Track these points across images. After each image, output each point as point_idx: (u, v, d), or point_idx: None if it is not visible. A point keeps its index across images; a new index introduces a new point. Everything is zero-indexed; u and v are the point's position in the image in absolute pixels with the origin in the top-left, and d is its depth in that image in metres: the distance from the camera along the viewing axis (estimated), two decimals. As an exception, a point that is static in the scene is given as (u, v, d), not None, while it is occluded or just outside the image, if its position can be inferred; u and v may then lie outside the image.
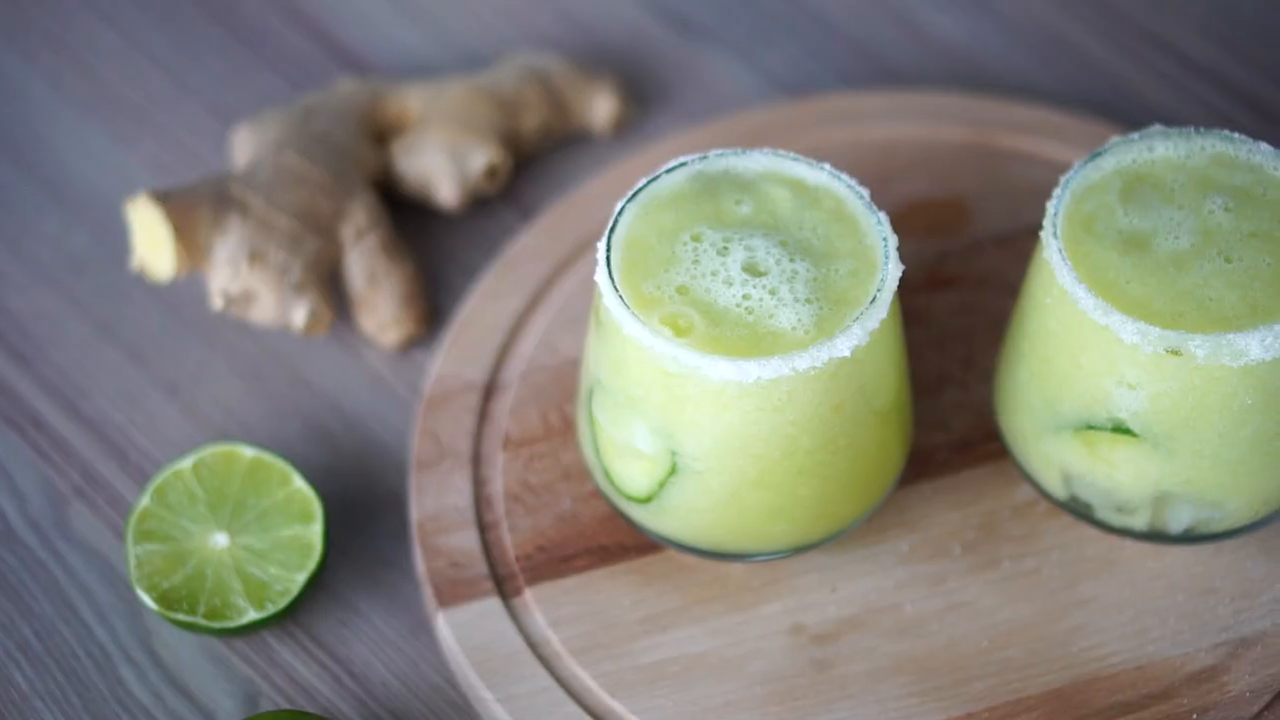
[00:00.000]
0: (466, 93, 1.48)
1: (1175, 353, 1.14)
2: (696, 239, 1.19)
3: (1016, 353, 1.24)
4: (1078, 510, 1.24)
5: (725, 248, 1.18)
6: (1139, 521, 1.22)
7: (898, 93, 1.50)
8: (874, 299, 1.16)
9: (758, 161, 1.22)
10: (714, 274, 1.17)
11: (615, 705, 1.22)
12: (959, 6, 1.59)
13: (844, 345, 1.14)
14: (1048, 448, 1.23)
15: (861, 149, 1.46)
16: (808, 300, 1.16)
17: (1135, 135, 1.21)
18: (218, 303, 1.37)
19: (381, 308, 1.41)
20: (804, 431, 1.17)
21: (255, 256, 1.37)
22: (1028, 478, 1.26)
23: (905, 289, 1.40)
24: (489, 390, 1.36)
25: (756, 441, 1.17)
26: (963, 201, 1.44)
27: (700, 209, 1.20)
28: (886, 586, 1.26)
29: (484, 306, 1.40)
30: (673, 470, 1.20)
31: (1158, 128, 1.22)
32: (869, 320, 1.15)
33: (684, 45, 1.58)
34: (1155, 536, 1.23)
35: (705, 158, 1.22)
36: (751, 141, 1.47)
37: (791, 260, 1.18)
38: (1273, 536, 1.27)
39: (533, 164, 1.51)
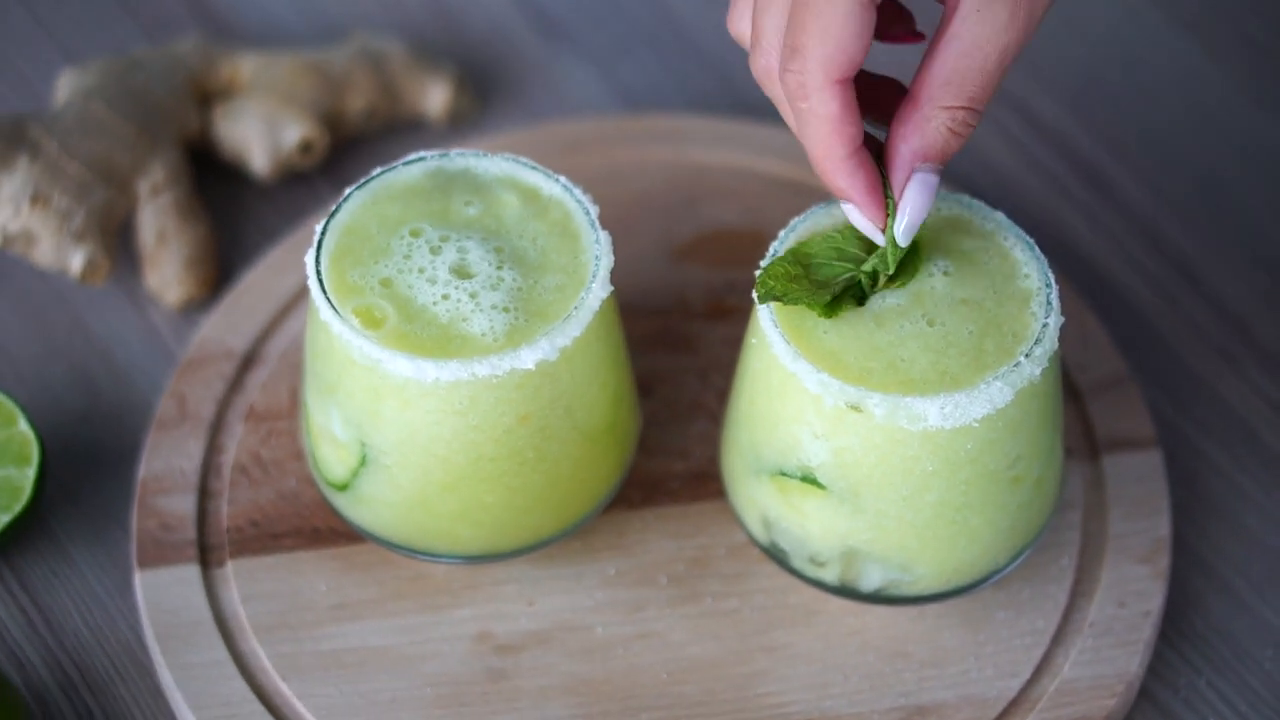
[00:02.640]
0: (296, 66, 1.48)
1: (856, 409, 1.12)
2: (415, 234, 1.18)
3: (735, 392, 1.22)
4: (777, 557, 1.23)
5: (439, 247, 1.18)
6: (830, 575, 1.21)
7: (726, 121, 1.48)
8: (568, 316, 1.15)
9: (497, 165, 1.21)
10: (421, 271, 1.17)
11: (283, 688, 1.22)
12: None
13: (528, 358, 1.14)
14: (751, 490, 1.21)
15: (677, 170, 1.45)
16: (505, 309, 1.15)
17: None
18: (-5, 239, 1.38)
19: (166, 266, 1.41)
20: (488, 439, 1.16)
21: (38, 198, 1.38)
22: (736, 518, 1.25)
23: (683, 315, 1.39)
24: (247, 360, 1.36)
25: (439, 443, 1.16)
26: (764, 235, 1.42)
27: (429, 205, 1.19)
28: (584, 606, 1.25)
29: (266, 278, 1.40)
30: (363, 461, 1.19)
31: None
32: (559, 337, 1.14)
33: (544, 45, 1.58)
34: (847, 592, 1.21)
35: (446, 155, 1.22)
36: (573, 149, 1.46)
37: (499, 268, 1.17)
38: (976, 608, 1.25)
39: (362, 144, 1.51)
